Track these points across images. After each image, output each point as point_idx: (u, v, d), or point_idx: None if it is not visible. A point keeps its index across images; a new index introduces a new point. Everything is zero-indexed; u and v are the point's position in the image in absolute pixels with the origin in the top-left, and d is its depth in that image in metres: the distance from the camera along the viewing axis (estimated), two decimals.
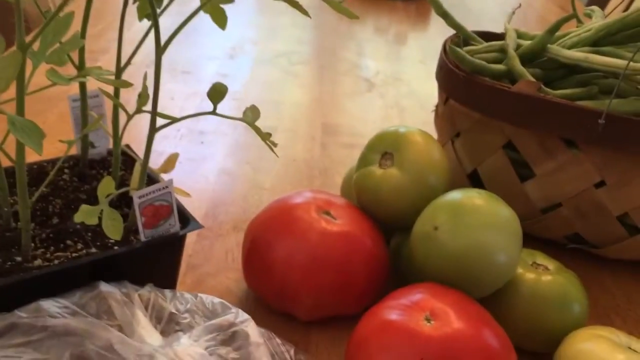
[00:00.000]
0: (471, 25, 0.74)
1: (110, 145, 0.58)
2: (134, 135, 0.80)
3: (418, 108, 1.01)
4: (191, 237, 0.62)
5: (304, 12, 0.41)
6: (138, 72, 1.05)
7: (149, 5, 0.42)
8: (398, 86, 1.11)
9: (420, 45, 1.37)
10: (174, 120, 0.46)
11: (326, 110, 0.97)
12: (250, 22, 1.35)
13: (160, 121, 0.47)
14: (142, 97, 0.44)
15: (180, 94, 0.94)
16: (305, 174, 0.77)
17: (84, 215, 0.40)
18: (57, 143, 0.60)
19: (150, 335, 0.40)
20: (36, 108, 0.83)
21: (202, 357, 0.37)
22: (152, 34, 0.47)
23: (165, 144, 0.80)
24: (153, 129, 0.45)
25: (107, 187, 0.41)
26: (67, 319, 0.38)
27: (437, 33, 1.49)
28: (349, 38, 1.35)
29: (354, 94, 1.05)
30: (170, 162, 0.57)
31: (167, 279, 0.52)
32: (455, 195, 0.49)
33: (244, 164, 0.78)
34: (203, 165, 0.77)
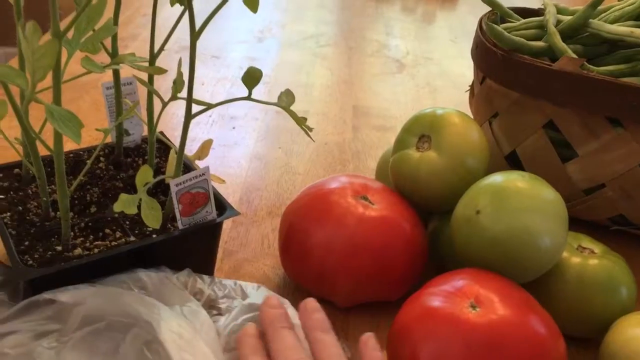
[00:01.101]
0: (505, 2, 0.72)
1: (145, 133, 0.58)
2: (167, 121, 0.80)
3: (450, 88, 0.99)
4: (226, 224, 0.62)
5: None
6: (168, 58, 1.05)
7: None
8: (428, 66, 1.08)
9: (449, 24, 1.35)
10: (209, 106, 0.45)
11: (356, 93, 0.96)
12: (277, 5, 1.34)
13: (194, 108, 0.46)
14: (178, 84, 0.44)
15: (210, 79, 0.94)
16: (337, 158, 0.76)
17: (123, 204, 0.39)
18: (90, 131, 0.60)
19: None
20: (69, 96, 0.84)
21: (207, 326, 0.37)
22: (184, 20, 0.46)
23: (197, 130, 0.80)
24: (189, 116, 0.45)
25: (145, 175, 0.41)
26: (78, 292, 0.38)
27: (467, 11, 1.46)
28: (377, 18, 1.33)
29: (383, 75, 1.04)
30: (205, 148, 0.57)
31: (204, 265, 0.51)
32: (497, 178, 0.48)
33: (276, 149, 0.77)
34: (235, 151, 0.76)
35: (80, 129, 0.35)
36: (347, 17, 1.33)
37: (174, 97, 0.45)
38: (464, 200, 0.48)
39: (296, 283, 0.54)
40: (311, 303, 0.42)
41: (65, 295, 0.40)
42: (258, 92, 0.92)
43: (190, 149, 0.66)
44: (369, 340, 0.40)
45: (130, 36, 1.07)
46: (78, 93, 0.84)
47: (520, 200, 0.45)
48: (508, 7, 0.72)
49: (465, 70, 1.06)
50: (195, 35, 0.42)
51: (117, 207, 0.39)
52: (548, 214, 0.45)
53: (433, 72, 1.06)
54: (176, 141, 0.75)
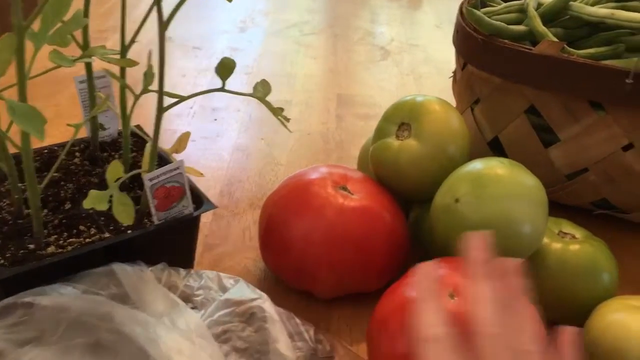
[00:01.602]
0: None
1: (121, 127, 0.57)
2: (146, 114, 0.79)
3: (435, 74, 0.98)
4: (207, 217, 0.61)
5: None
6: (147, 50, 1.03)
7: None
8: (414, 52, 1.07)
9: (435, 9, 1.33)
10: (181, 98, 0.44)
11: (340, 81, 0.95)
12: None
13: (169, 100, 0.45)
14: (148, 77, 0.43)
15: (191, 70, 0.92)
16: (321, 148, 0.76)
17: (94, 200, 0.39)
18: (68, 126, 0.59)
19: (162, 308, 0.39)
20: (47, 90, 0.83)
21: (199, 328, 0.37)
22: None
23: (178, 122, 0.79)
24: (161, 109, 0.44)
25: (115, 171, 0.40)
26: (62, 298, 0.37)
27: None
28: (362, 5, 1.32)
29: (368, 62, 1.03)
30: (182, 141, 0.56)
31: (183, 260, 0.51)
32: (476, 165, 0.47)
33: (258, 140, 0.76)
34: (217, 143, 0.75)
35: (43, 125, 0.34)
36: (332, 4, 1.32)
37: (145, 90, 0.44)
38: (443, 188, 0.48)
39: (277, 276, 0.53)
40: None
41: (46, 299, 0.39)
42: (240, 82, 0.91)
43: (172, 142, 0.65)
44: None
45: (111, 28, 1.06)
46: (57, 87, 0.83)
47: (499, 188, 0.45)
48: None
49: (450, 56, 1.04)
50: (163, 26, 0.41)
51: (87, 203, 0.39)
52: (527, 200, 0.45)
53: (418, 58, 1.05)
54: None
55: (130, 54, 0.48)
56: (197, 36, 1.07)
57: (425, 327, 0.33)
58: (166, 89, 0.81)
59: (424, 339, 0.32)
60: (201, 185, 0.66)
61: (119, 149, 0.57)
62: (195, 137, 0.76)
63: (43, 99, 0.82)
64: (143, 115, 0.76)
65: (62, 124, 0.77)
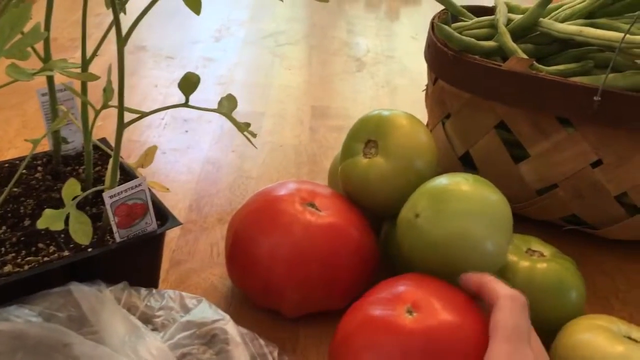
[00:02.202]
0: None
1: None
2: (113, 127, 0.78)
3: (410, 86, 0.98)
4: (174, 232, 0.60)
5: None
6: (116, 61, 1.02)
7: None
8: (389, 64, 1.07)
9: (412, 21, 1.34)
10: (142, 114, 0.43)
11: (315, 93, 0.94)
12: (237, 2, 1.32)
13: (131, 116, 0.44)
14: (107, 92, 0.42)
15: (164, 80, 0.91)
16: (293, 161, 0.75)
17: (48, 220, 0.37)
18: (26, 141, 0.58)
19: (123, 331, 0.38)
20: (14, 100, 0.81)
21: (162, 353, 0.35)
22: (129, 18, 0.44)
23: (148, 133, 0.77)
24: (121, 125, 0.43)
25: (71, 189, 0.39)
26: (19, 324, 0.36)
27: (430, 8, 1.46)
28: (339, 16, 1.32)
29: (343, 74, 1.02)
30: (148, 155, 0.55)
31: (147, 278, 0.49)
32: (440, 180, 0.47)
33: (230, 152, 0.75)
34: (187, 155, 0.74)
35: None
36: (309, 14, 1.32)
37: (105, 106, 0.43)
38: (407, 203, 0.47)
39: (244, 294, 0.52)
40: None
41: (3, 324, 0.37)
42: (214, 92, 0.90)
43: (140, 155, 0.64)
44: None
45: (79, 38, 1.04)
46: (23, 97, 0.81)
47: (459, 204, 0.44)
48: (464, 6, 0.71)
49: (425, 68, 1.05)
50: (121, 41, 0.40)
51: (41, 223, 0.37)
52: (489, 217, 0.44)
53: (393, 70, 1.05)
54: (127, 148, 0.73)
55: (99, 65, 0.47)
56: (171, 45, 1.05)
57: None
58: (137, 98, 0.80)
59: None
60: (170, 198, 0.66)
61: (82, 163, 0.56)
62: (165, 149, 0.75)
63: (10, 108, 0.80)
64: (112, 126, 0.75)
65: (28, 134, 0.75)
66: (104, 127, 0.71)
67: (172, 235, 0.60)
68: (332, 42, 1.17)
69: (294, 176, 0.72)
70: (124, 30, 0.41)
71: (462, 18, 0.69)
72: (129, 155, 0.71)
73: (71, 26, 1.05)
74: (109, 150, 0.54)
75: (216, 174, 0.71)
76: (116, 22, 0.39)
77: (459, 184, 0.45)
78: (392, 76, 1.02)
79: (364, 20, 1.30)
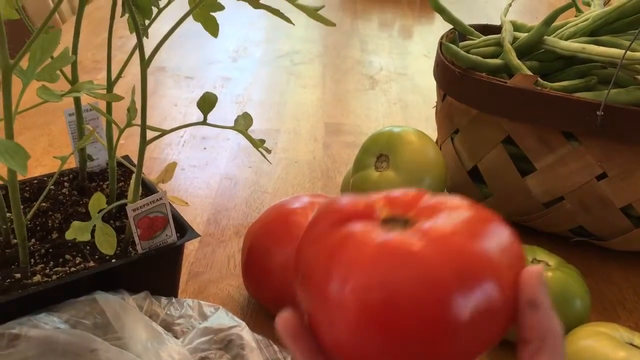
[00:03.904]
0: (477, 16, 0.73)
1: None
2: (135, 144, 0.81)
3: (421, 103, 1.00)
4: (193, 245, 0.62)
5: (288, 21, 0.41)
6: (138, 79, 1.05)
7: (132, 20, 0.42)
8: (402, 81, 1.10)
9: (425, 39, 1.36)
10: (163, 132, 0.46)
11: (329, 110, 0.97)
12: (253, 23, 1.35)
13: (153, 134, 0.47)
14: (131, 112, 0.45)
15: (183, 100, 0.95)
16: (307, 176, 0.77)
17: (76, 231, 0.40)
18: (54, 158, 0.61)
19: (145, 337, 0.40)
20: (41, 120, 0.85)
21: (183, 357, 0.38)
22: (151, 40, 0.47)
23: (168, 151, 0.80)
24: (144, 142, 0.46)
25: (98, 202, 0.42)
26: (49, 330, 0.38)
27: (443, 26, 1.48)
28: (353, 35, 1.35)
29: (357, 91, 1.05)
30: (169, 171, 0.58)
31: (167, 288, 0.52)
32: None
33: (246, 168, 0.78)
34: (206, 171, 0.77)
35: (27, 160, 0.35)
36: (323, 34, 1.35)
37: (129, 124, 0.46)
38: None
39: (259, 303, 0.54)
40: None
41: (33, 331, 0.40)
42: (231, 111, 0.93)
43: (160, 171, 0.67)
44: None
45: (104, 59, 1.08)
46: (50, 117, 0.85)
47: None
48: (472, 24, 0.74)
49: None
50: (145, 64, 0.43)
51: (70, 234, 0.40)
52: None
53: (405, 87, 1.07)
54: (148, 164, 0.76)
55: (122, 86, 0.50)
56: (189, 66, 1.09)
57: None
58: (158, 118, 0.84)
59: None
60: (189, 213, 0.68)
61: (106, 179, 0.59)
62: (184, 165, 0.78)
63: (37, 128, 0.84)
64: (134, 144, 0.78)
65: (55, 152, 0.79)
66: (126, 145, 0.74)
67: (190, 248, 0.62)
68: (345, 60, 1.19)
69: (308, 191, 0.74)
70: (147, 53, 0.44)
71: (470, 37, 0.71)
72: (150, 172, 0.74)
73: (95, 49, 1.09)
74: (131, 167, 0.56)
75: (233, 189, 0.73)
76: (140, 45, 0.42)
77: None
78: (404, 93, 1.05)
79: (377, 39, 1.33)
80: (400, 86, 1.08)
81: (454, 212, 0.28)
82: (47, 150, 0.78)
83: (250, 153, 0.81)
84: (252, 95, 0.99)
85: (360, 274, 0.26)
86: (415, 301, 0.25)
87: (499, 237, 0.27)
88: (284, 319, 0.31)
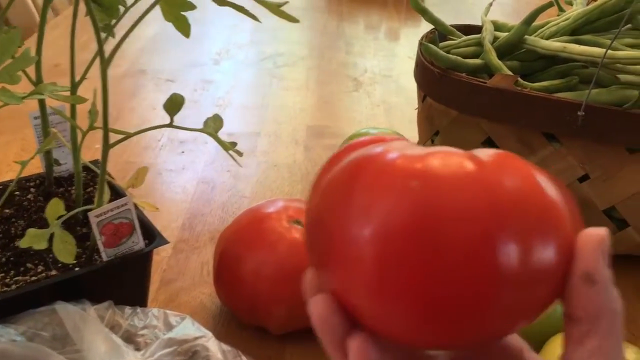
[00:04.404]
0: (464, 17, 0.71)
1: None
2: (114, 149, 0.79)
3: (405, 105, 0.99)
4: (166, 251, 0.61)
5: (253, 17, 0.39)
6: (124, 82, 1.04)
7: (91, 19, 0.40)
8: (386, 83, 1.09)
9: (411, 41, 1.35)
10: (127, 135, 0.44)
11: (311, 113, 0.95)
12: (237, 25, 1.34)
13: (117, 136, 0.45)
14: (92, 114, 0.43)
15: (162, 103, 0.93)
16: (286, 179, 0.76)
17: (32, 239, 0.38)
18: (31, 161, 0.59)
19: (103, 350, 0.39)
20: (14, 124, 0.82)
21: None
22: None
23: (144, 155, 0.78)
24: (106, 145, 0.44)
25: (55, 209, 0.40)
26: (3, 343, 0.37)
27: (429, 27, 1.47)
28: (338, 37, 1.33)
29: (340, 93, 1.03)
30: (139, 176, 0.56)
31: (135, 297, 0.50)
32: None
33: (224, 172, 0.76)
34: (183, 175, 0.75)
35: None
36: (307, 36, 1.33)
37: (91, 127, 0.45)
38: None
39: (231, 311, 0.53)
40: None
41: None
42: (211, 114, 0.91)
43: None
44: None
45: (85, 61, 1.06)
46: (23, 122, 0.83)
47: None
48: (454, 24, 0.73)
49: None
50: (104, 63, 0.41)
51: (24, 242, 0.38)
52: None
53: (390, 89, 1.06)
54: (124, 169, 0.74)
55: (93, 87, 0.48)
56: (171, 69, 1.07)
57: None
58: (136, 121, 0.82)
59: None
60: (163, 218, 0.66)
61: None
62: (161, 169, 0.76)
63: (10, 132, 0.82)
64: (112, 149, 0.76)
65: (27, 157, 0.76)
66: (100, 149, 0.72)
67: (163, 255, 0.60)
68: (329, 62, 1.18)
69: (287, 195, 0.73)
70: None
71: (451, 37, 0.70)
72: (126, 177, 0.72)
73: (76, 51, 1.07)
74: (97, 171, 0.55)
75: (210, 193, 0.72)
76: (99, 44, 0.41)
77: None
78: (388, 95, 1.03)
79: (363, 41, 1.31)
80: (385, 88, 1.06)
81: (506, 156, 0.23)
82: (19, 155, 0.76)
83: (229, 157, 0.79)
84: (233, 98, 0.98)
85: (388, 200, 0.21)
86: (460, 236, 0.20)
87: (556, 186, 0.23)
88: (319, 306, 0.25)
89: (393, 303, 0.22)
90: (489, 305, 0.22)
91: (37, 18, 1.31)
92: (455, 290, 0.21)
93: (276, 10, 0.33)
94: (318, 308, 0.25)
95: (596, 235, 0.23)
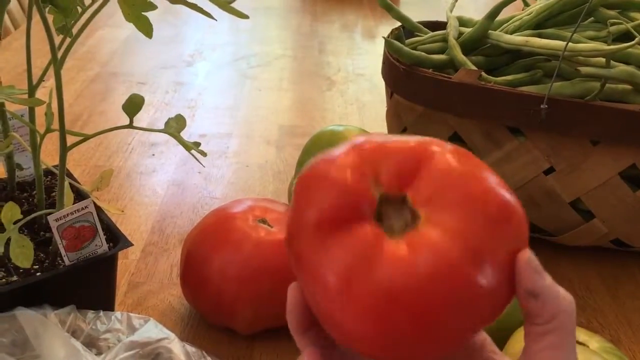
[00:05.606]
0: (442, 15, 0.71)
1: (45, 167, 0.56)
2: (77, 154, 0.78)
3: (379, 103, 0.99)
4: (134, 254, 0.60)
5: (208, 15, 0.39)
6: (101, 85, 1.03)
7: (41, 19, 0.40)
8: (359, 82, 1.09)
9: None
10: (85, 137, 0.44)
11: (284, 113, 0.95)
12: (210, 27, 1.33)
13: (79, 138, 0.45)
14: (48, 117, 0.42)
15: None
16: (258, 180, 0.75)
17: None
18: None
19: (62, 355, 0.38)
20: None
21: None
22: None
23: (114, 158, 0.78)
24: (64, 148, 0.43)
25: (11, 213, 0.39)
26: None
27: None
28: (312, 36, 1.33)
29: (313, 93, 1.03)
30: (104, 179, 0.55)
31: (100, 300, 0.49)
32: None
33: (195, 174, 0.76)
34: (153, 178, 0.75)
35: None
36: (281, 37, 1.33)
37: (48, 130, 0.44)
38: None
39: (199, 313, 0.52)
40: None
41: None
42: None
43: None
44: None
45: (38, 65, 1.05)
46: None
47: None
48: (422, 21, 0.73)
49: None
50: (57, 65, 0.40)
51: None
52: None
53: (363, 87, 1.06)
54: (93, 172, 0.73)
55: (66, 92, 0.48)
56: (143, 72, 1.06)
57: None
58: (107, 124, 0.81)
59: None
60: (132, 222, 0.66)
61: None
62: (131, 172, 0.75)
63: None
64: (77, 153, 0.75)
65: None
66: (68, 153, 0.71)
67: (132, 258, 0.60)
68: (303, 62, 1.18)
69: (259, 195, 0.72)
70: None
71: (418, 33, 0.70)
72: (89, 181, 0.71)
73: (44, 56, 1.06)
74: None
75: (180, 195, 0.71)
76: (51, 45, 0.40)
77: None
78: (361, 94, 1.03)
79: (337, 40, 1.32)
80: (358, 87, 1.06)
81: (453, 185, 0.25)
82: None
83: (200, 158, 0.79)
84: (205, 100, 0.97)
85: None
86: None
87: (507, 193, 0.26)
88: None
89: (344, 321, 0.25)
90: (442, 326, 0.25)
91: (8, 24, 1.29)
92: (407, 313, 0.24)
93: (225, 6, 0.33)
94: (291, 295, 0.28)
95: (526, 258, 0.26)
